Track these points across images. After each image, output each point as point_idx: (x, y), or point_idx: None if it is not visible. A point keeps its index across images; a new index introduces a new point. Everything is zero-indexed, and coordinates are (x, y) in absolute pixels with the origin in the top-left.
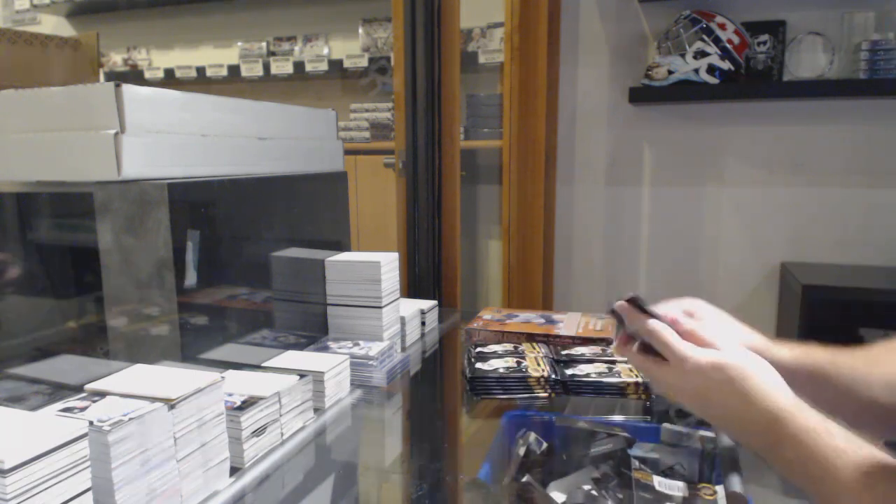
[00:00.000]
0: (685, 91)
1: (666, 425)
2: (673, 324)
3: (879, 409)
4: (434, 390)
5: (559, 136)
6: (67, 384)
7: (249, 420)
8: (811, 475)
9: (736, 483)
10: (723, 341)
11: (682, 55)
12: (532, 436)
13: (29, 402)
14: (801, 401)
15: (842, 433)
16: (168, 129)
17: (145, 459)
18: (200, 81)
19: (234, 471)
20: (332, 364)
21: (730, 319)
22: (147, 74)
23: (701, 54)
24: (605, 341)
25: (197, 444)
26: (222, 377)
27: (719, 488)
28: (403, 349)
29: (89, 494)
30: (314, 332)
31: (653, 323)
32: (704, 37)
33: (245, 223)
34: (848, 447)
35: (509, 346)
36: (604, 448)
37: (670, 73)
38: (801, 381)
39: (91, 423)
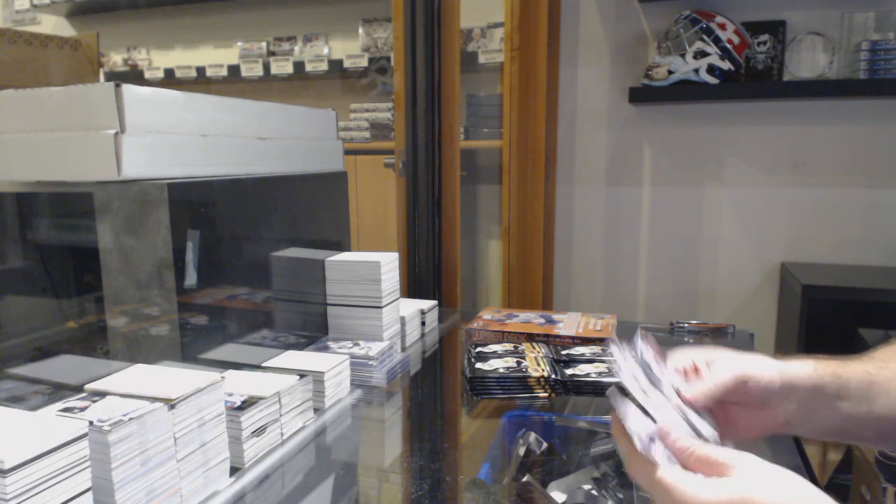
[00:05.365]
0: (685, 91)
1: None
2: (665, 437)
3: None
4: (434, 390)
5: (559, 136)
6: (67, 384)
7: (249, 420)
8: None
9: None
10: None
11: (682, 55)
12: (532, 436)
13: (29, 402)
14: None
15: None
16: (168, 129)
17: (145, 459)
18: (200, 81)
19: (234, 471)
20: (332, 364)
21: (750, 360)
22: (147, 74)
23: (701, 54)
24: (605, 341)
25: (197, 444)
26: (222, 377)
27: None
28: (403, 349)
29: (89, 494)
30: (314, 332)
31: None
32: (704, 37)
33: (245, 223)
34: None
35: (509, 346)
36: (604, 448)
37: (670, 73)
38: (829, 396)
39: (91, 423)
